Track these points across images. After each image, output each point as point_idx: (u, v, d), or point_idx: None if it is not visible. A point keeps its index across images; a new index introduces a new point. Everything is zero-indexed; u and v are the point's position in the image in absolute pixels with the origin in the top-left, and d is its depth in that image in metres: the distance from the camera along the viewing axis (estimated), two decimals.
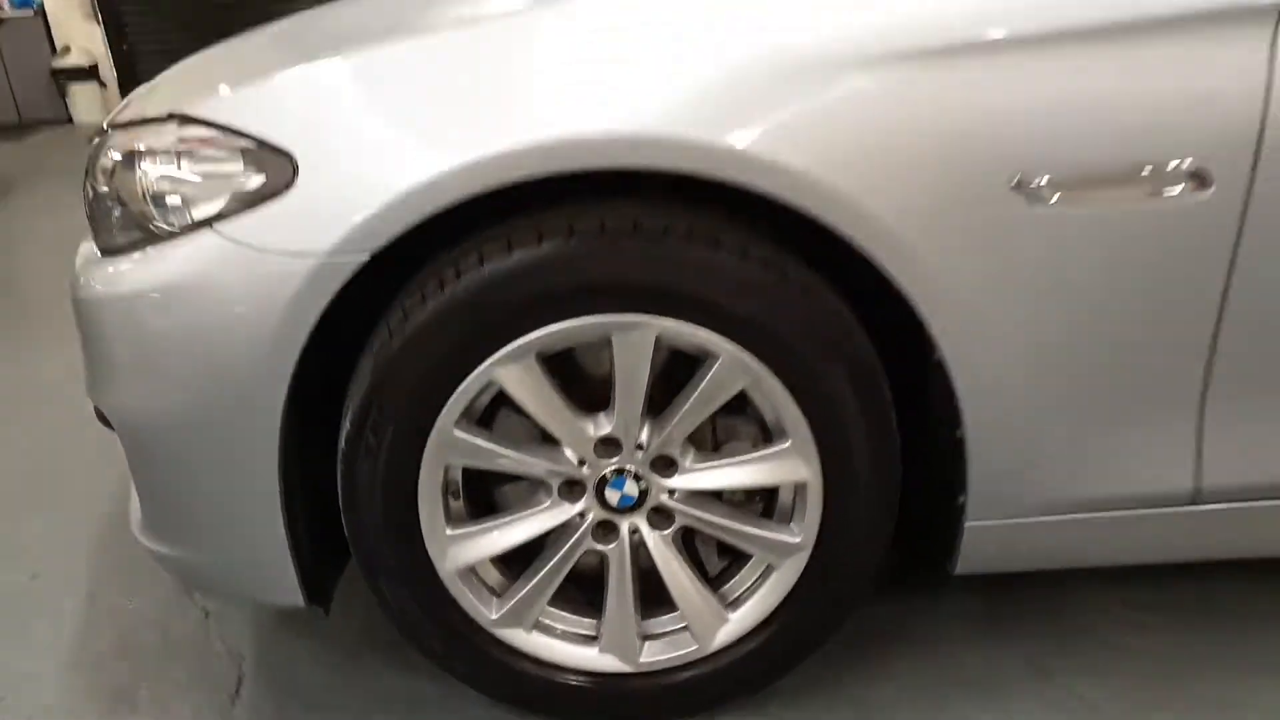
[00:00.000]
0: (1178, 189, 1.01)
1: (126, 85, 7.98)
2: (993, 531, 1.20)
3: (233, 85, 1.14)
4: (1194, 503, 1.18)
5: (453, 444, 1.12)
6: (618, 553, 1.20)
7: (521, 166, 1.01)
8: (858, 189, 1.01)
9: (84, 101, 7.69)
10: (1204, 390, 1.11)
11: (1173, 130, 0.99)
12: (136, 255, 1.12)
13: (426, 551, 1.16)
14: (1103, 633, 1.42)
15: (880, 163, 1.01)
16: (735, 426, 1.21)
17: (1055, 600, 1.49)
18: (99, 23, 7.64)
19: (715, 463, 1.17)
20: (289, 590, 1.21)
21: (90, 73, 7.68)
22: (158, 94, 1.28)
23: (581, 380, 1.18)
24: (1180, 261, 1.05)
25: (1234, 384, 1.11)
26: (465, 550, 1.18)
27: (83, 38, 7.67)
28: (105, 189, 1.16)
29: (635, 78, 1.02)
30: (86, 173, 1.20)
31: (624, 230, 1.05)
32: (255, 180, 1.07)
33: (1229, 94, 0.99)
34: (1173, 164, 1.00)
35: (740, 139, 0.99)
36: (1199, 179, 1.01)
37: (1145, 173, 1.00)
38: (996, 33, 1.00)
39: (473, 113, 1.04)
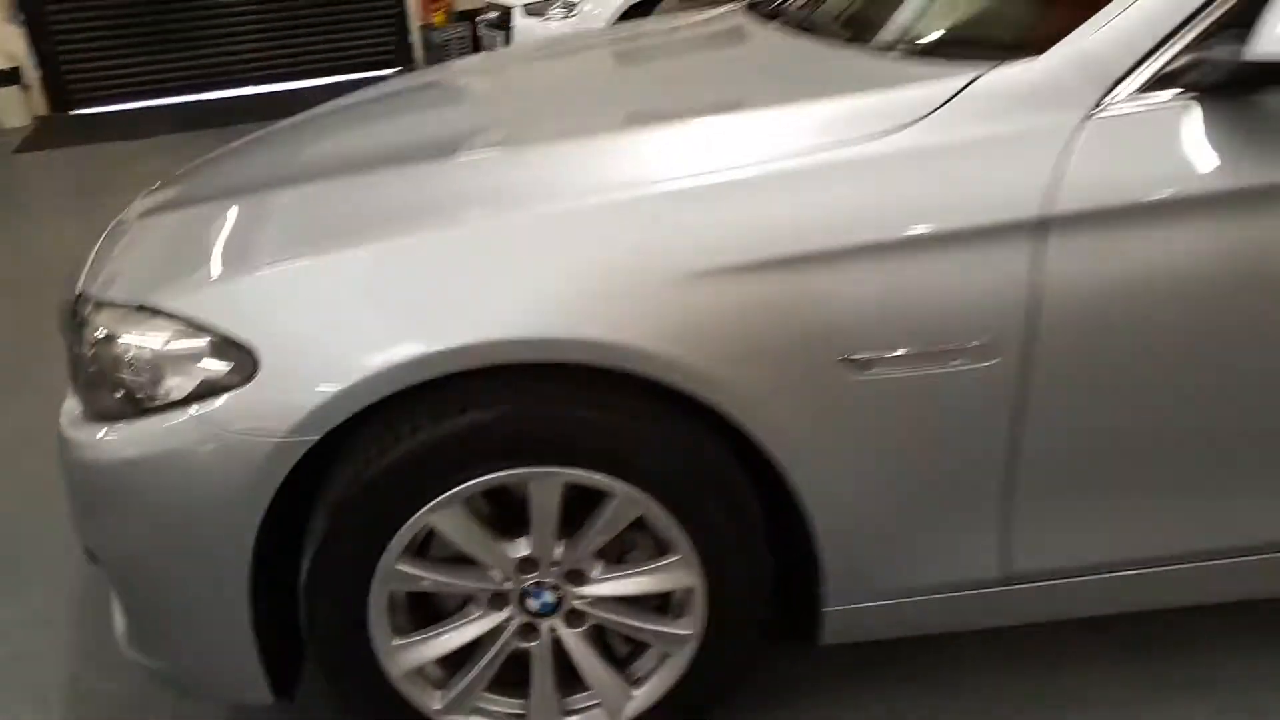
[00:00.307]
0: (972, 361, 1.27)
1: (52, 89, 7.88)
2: (847, 612, 1.47)
3: (204, 275, 1.34)
4: (1005, 584, 1.47)
5: (396, 576, 1.35)
6: (540, 649, 1.44)
7: (443, 365, 1.23)
8: (721, 368, 1.25)
9: (5, 106, 7.56)
10: (1003, 502, 1.39)
11: (963, 317, 1.25)
12: (121, 425, 1.31)
13: (378, 661, 1.39)
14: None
15: (738, 346, 1.25)
16: (636, 539, 1.46)
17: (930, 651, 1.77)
18: (20, 24, 7.51)
19: (618, 573, 1.42)
20: (258, 692, 1.43)
21: (10, 76, 7.56)
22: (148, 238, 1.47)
23: (506, 496, 1.41)
24: (976, 410, 1.31)
25: (1029, 497, 1.38)
26: (410, 656, 1.41)
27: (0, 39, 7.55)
28: (90, 358, 1.35)
29: (539, 283, 1.25)
30: (71, 333, 1.38)
31: (535, 400, 1.28)
32: (221, 369, 1.27)
33: (1005, 287, 1.25)
34: (969, 343, 1.26)
35: (624, 335, 1.23)
36: (986, 352, 1.27)
37: (943, 349, 1.26)
38: (827, 244, 1.24)
39: (407, 317, 1.25)
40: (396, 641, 1.40)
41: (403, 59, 9.29)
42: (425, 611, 1.46)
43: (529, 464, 1.29)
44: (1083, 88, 1.26)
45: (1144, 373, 1.31)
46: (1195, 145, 1.25)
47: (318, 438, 1.25)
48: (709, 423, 1.32)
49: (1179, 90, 1.25)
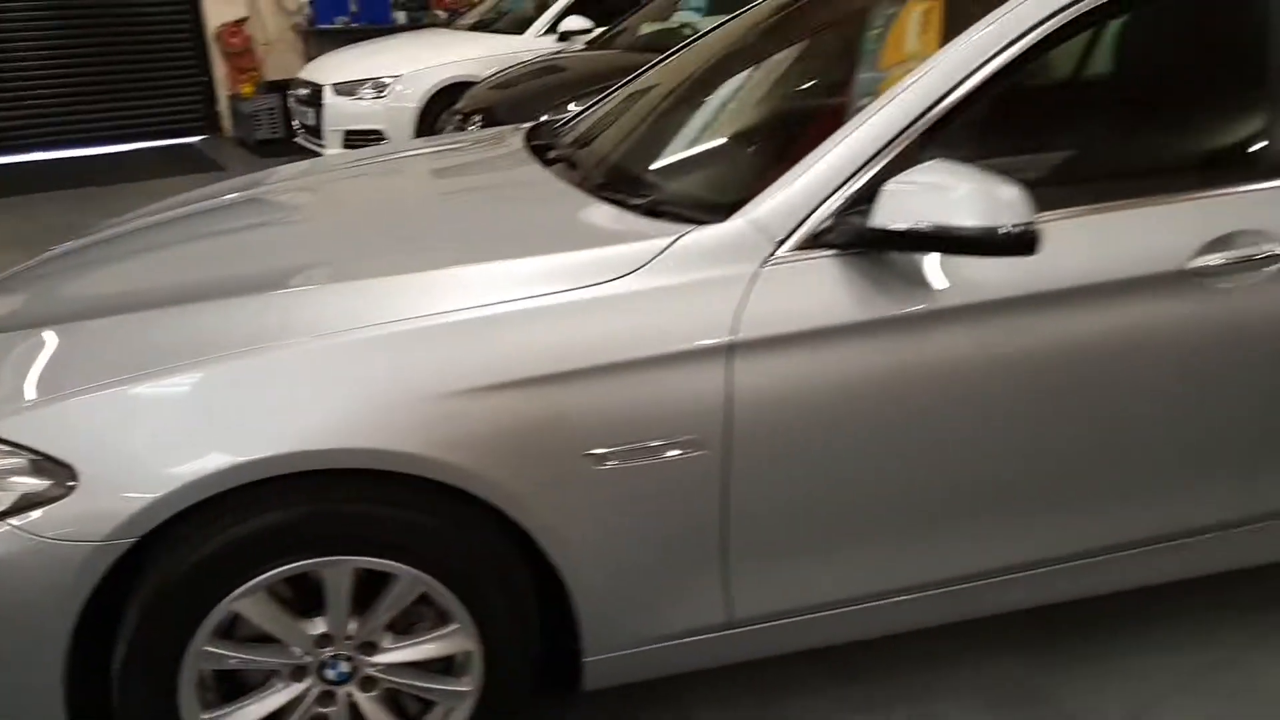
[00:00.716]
0: (686, 452, 1.62)
1: None
2: (603, 661, 1.77)
3: (22, 399, 1.51)
4: (732, 628, 1.81)
5: (205, 656, 1.54)
6: (337, 714, 1.66)
7: (247, 474, 1.46)
8: (485, 467, 1.54)
9: None
10: (722, 561, 1.73)
11: (676, 419, 1.60)
12: None
13: None
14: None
15: (499, 449, 1.54)
16: (423, 612, 1.70)
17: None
18: None
19: (406, 642, 1.67)
20: None
21: None
22: None
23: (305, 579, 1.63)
24: (694, 490, 1.65)
25: (740, 557, 1.74)
26: None
27: None
28: None
29: (329, 402, 1.50)
30: None
31: (327, 500, 1.52)
32: (41, 485, 1.44)
33: (707, 396, 1.60)
34: (682, 439, 1.61)
35: (401, 444, 1.50)
36: (696, 445, 1.62)
37: (662, 444, 1.61)
38: (569, 365, 1.56)
39: (216, 433, 1.47)
40: (205, 716, 1.59)
41: (211, 127, 9.21)
42: (232, 685, 1.65)
43: (322, 555, 1.53)
44: (758, 245, 1.65)
45: (821, 455, 1.70)
46: (839, 287, 1.66)
47: (133, 541, 1.44)
48: (482, 511, 1.60)
49: (828, 247, 1.67)
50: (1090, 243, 1.76)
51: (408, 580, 1.59)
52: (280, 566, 1.52)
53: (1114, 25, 1.90)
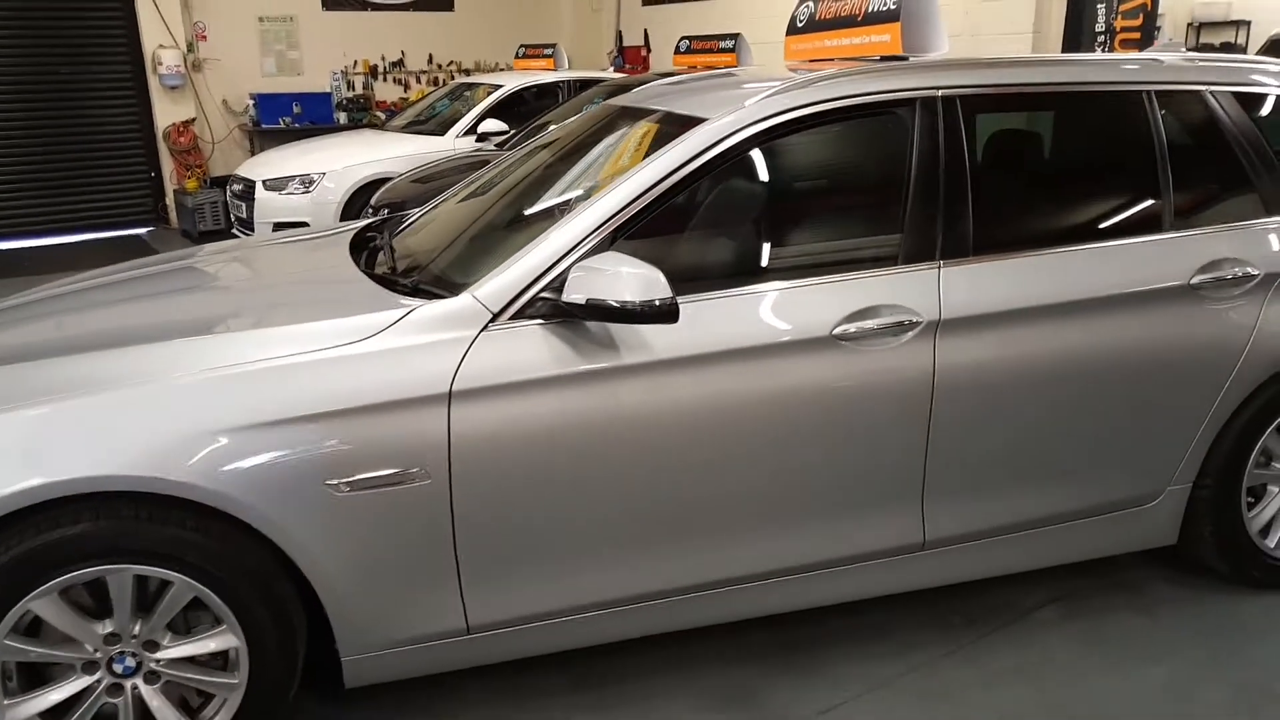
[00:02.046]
0: (415, 481, 2.02)
1: None
2: (358, 661, 2.13)
3: None
4: (473, 633, 2.18)
5: (6, 649, 1.89)
6: (124, 703, 2.00)
7: (42, 494, 1.84)
8: (246, 493, 1.92)
9: None
10: (453, 572, 2.11)
11: (405, 453, 2.00)
12: None
13: None
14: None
15: (259, 478, 1.93)
16: (200, 614, 2.06)
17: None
18: None
19: (184, 640, 2.02)
20: None
21: None
22: None
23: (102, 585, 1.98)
24: (424, 513, 2.04)
25: (468, 569, 2.12)
26: (20, 713, 1.94)
27: None
28: None
29: (114, 438, 1.89)
30: None
31: (113, 517, 1.90)
32: None
33: (431, 432, 2.01)
34: (411, 470, 2.01)
35: (170, 472, 1.88)
36: (422, 475, 2.02)
37: (394, 473, 2.00)
38: (315, 409, 1.96)
39: (21, 461, 1.85)
40: (8, 702, 1.93)
41: (159, 219, 9.68)
42: (34, 675, 1.99)
43: (104, 563, 1.90)
44: (478, 315, 2.09)
45: (532, 483, 2.10)
46: (543, 348, 2.09)
47: None
48: (246, 529, 1.98)
49: (535, 318, 2.11)
50: (752, 312, 2.22)
51: (181, 586, 1.96)
52: (71, 573, 1.89)
53: (774, 153, 2.39)
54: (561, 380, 2.09)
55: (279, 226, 7.27)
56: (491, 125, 7.48)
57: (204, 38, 9.63)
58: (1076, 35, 6.95)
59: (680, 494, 2.21)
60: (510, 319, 2.11)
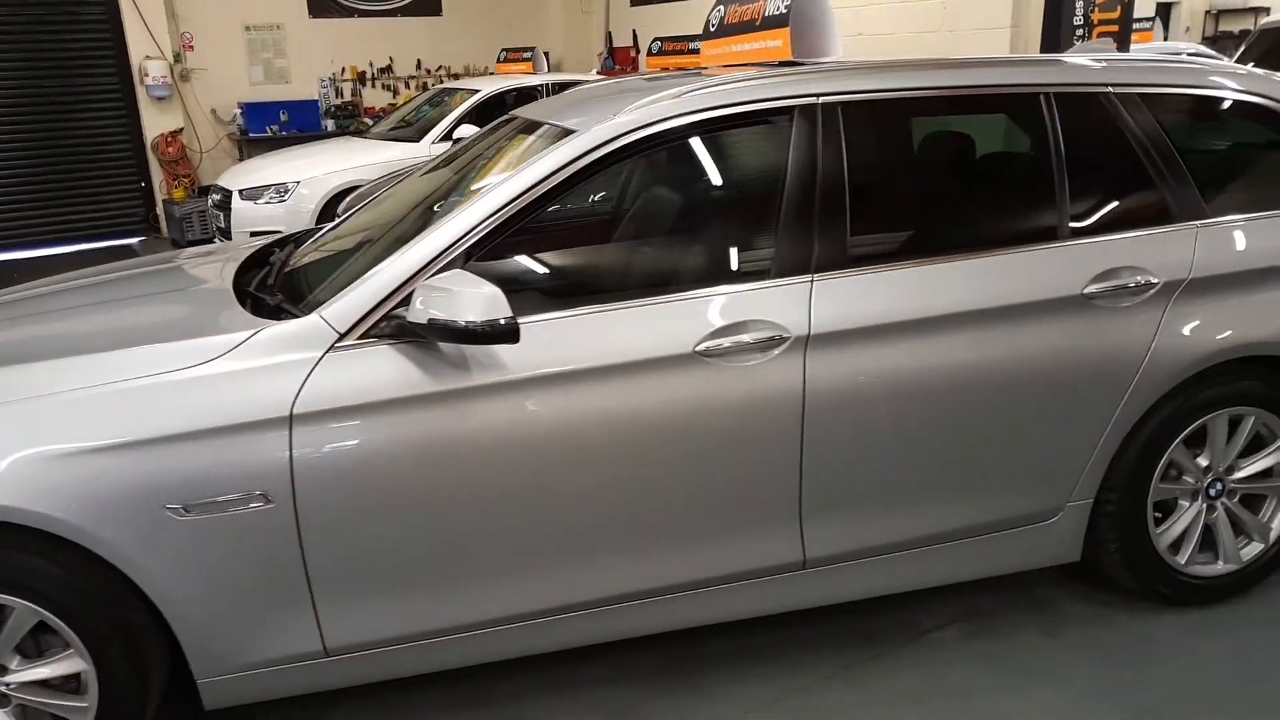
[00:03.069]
0: (259, 505, 1.99)
1: None
2: (214, 683, 2.11)
3: None
4: (330, 656, 2.15)
5: None
6: None
7: None
8: (84, 519, 1.91)
9: None
10: (306, 596, 2.09)
11: (249, 477, 1.98)
12: None
13: None
14: None
15: (97, 503, 1.91)
16: (51, 639, 2.05)
17: None
18: None
19: (33, 664, 2.01)
20: None
21: None
22: None
23: None
24: (270, 537, 2.02)
25: (323, 593, 2.09)
26: None
27: None
28: None
29: None
30: None
31: None
32: None
33: (274, 457, 1.98)
34: (255, 493, 1.99)
35: (11, 499, 1.87)
36: (267, 499, 2.00)
37: (239, 497, 1.98)
38: (158, 431, 1.94)
39: None
40: None
41: (150, 229, 9.77)
42: None
43: None
44: (325, 335, 2.06)
45: (383, 506, 2.07)
46: (391, 369, 2.06)
47: None
48: (92, 555, 1.96)
49: (383, 337, 2.07)
50: (613, 329, 2.17)
51: (23, 612, 1.95)
52: None
53: (641, 166, 2.35)
54: (411, 401, 2.06)
55: (255, 235, 7.31)
56: (467, 130, 7.46)
57: (191, 48, 9.71)
58: (1055, 29, 6.82)
59: (540, 516, 2.17)
60: (359, 339, 2.08)
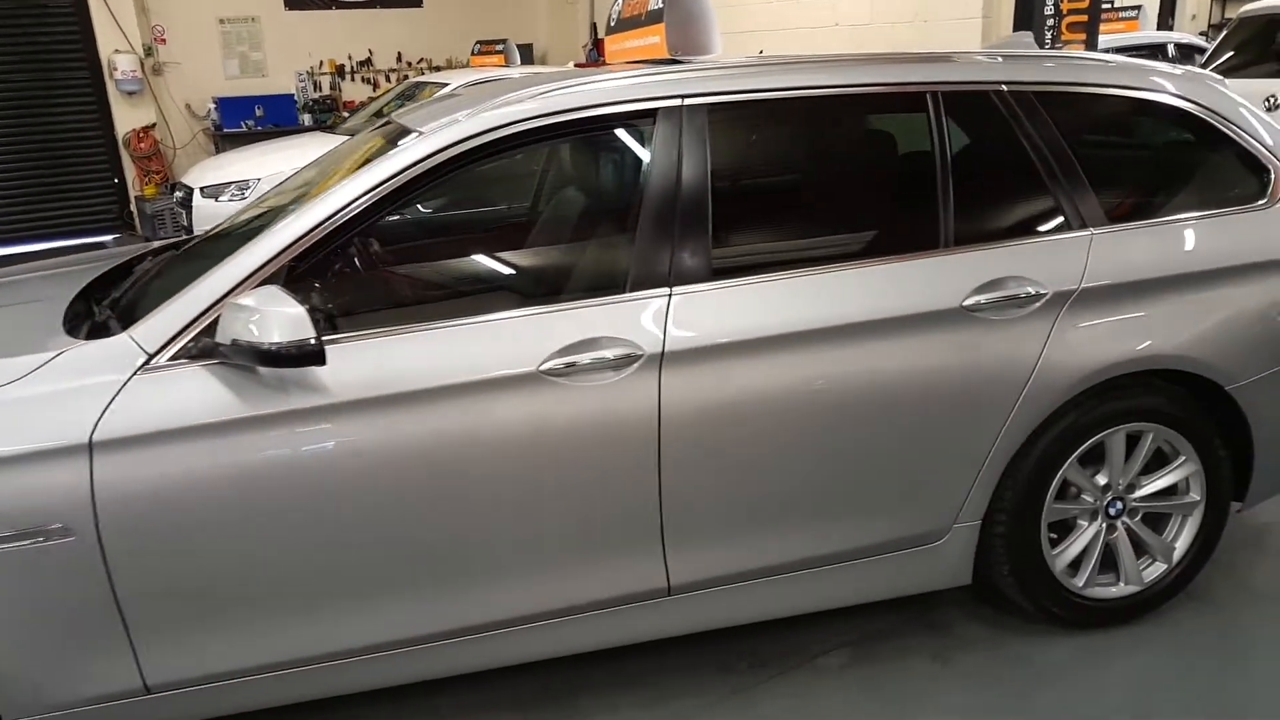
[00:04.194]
0: (57, 539, 1.89)
1: None
2: None
3: None
4: (148, 694, 2.05)
5: None
6: None
7: None
8: None
9: None
10: (125, 635, 1.99)
11: (45, 511, 1.87)
12: None
13: None
14: None
15: None
16: None
17: None
18: None
19: None
20: None
21: None
22: None
23: None
24: (72, 569, 1.92)
25: (142, 631, 1.99)
26: None
27: None
28: None
29: None
30: None
31: None
32: None
33: (71, 488, 1.88)
34: (51, 527, 1.88)
35: None
36: (66, 533, 1.89)
37: (36, 531, 1.88)
38: None
39: None
40: None
41: (125, 226, 9.72)
42: None
43: None
44: (132, 356, 1.95)
45: (198, 536, 1.96)
46: (202, 392, 1.94)
47: None
48: None
49: (201, 358, 1.96)
50: (449, 348, 2.05)
51: None
52: None
53: (487, 173, 2.22)
54: (224, 426, 1.95)
55: None
56: None
57: (163, 41, 9.63)
58: (1026, 19, 6.63)
59: (373, 545, 2.06)
60: (170, 360, 1.97)
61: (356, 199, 2.06)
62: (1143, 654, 2.52)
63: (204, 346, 1.96)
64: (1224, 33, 6.80)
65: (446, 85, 7.97)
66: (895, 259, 2.31)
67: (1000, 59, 2.55)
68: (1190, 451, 2.53)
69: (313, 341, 1.85)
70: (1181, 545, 2.61)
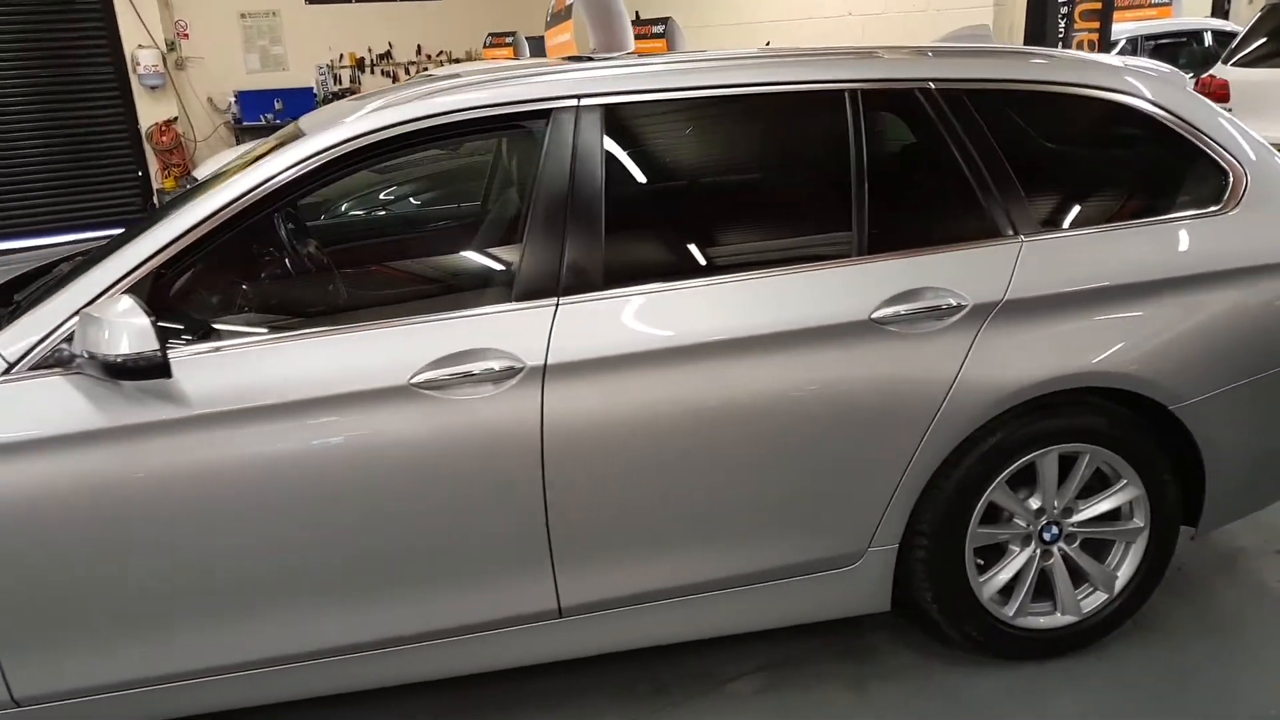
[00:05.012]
0: None
1: None
2: None
3: None
4: (15, 706, 2.01)
5: None
6: None
7: None
8: None
9: None
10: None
11: None
12: None
13: None
14: None
15: None
16: None
17: None
18: None
19: None
20: None
21: None
22: None
23: None
24: None
25: (6, 646, 1.96)
26: None
27: None
28: None
29: None
30: None
31: None
32: None
33: None
34: None
35: None
36: None
37: None
38: None
39: None
40: None
41: None
42: None
43: None
44: None
45: (56, 550, 1.91)
46: (66, 403, 1.89)
47: None
48: None
49: (59, 366, 1.91)
50: (316, 359, 1.98)
51: None
52: None
53: (365, 178, 2.14)
54: (83, 438, 1.90)
55: None
56: None
57: (186, 36, 9.74)
58: (1040, 7, 6.39)
59: (237, 564, 2.00)
60: (30, 369, 1.92)
61: (230, 203, 2.00)
62: (1077, 689, 2.37)
63: (64, 356, 1.92)
64: (1254, 20, 6.47)
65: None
66: (804, 268, 2.19)
67: (931, 54, 2.41)
68: (1132, 475, 2.36)
69: (157, 354, 1.79)
70: (1124, 574, 2.44)
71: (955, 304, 2.19)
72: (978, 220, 2.27)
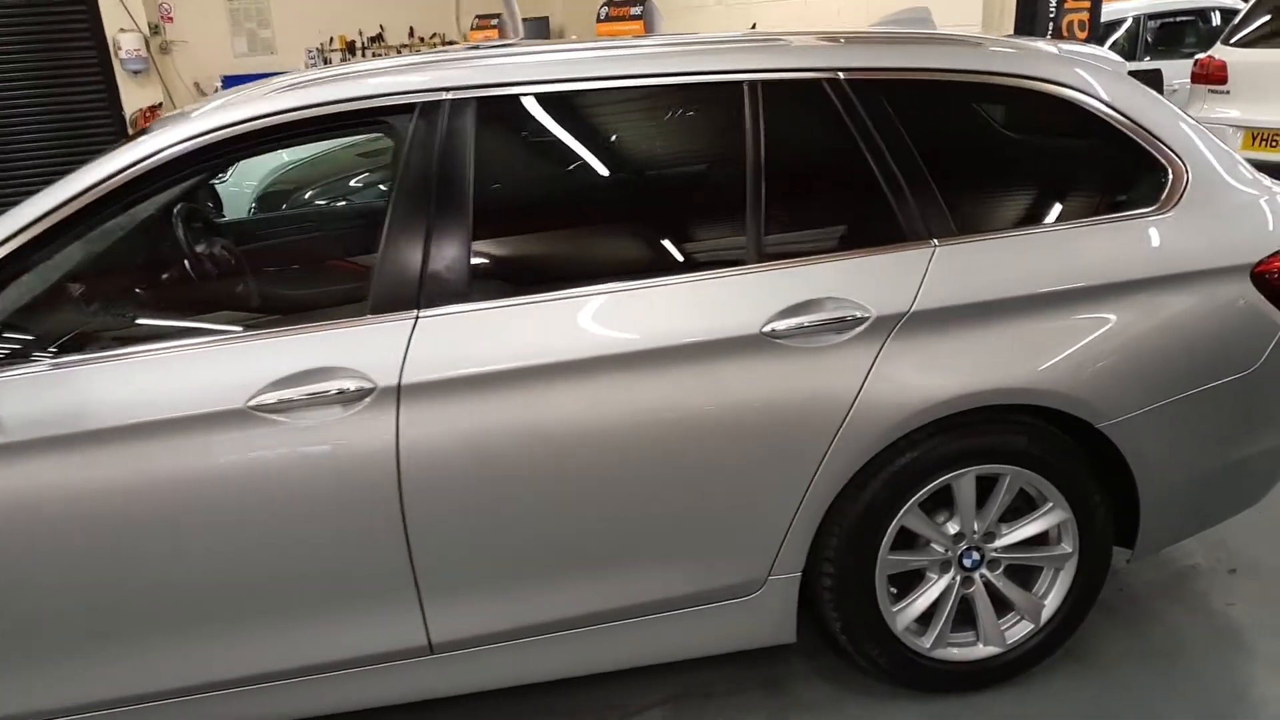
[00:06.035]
0: None
1: None
2: None
3: None
4: None
5: None
6: None
7: None
8: None
9: None
10: None
11: None
12: None
13: None
14: None
15: None
16: None
17: None
18: None
19: None
20: None
21: None
22: None
23: None
24: None
25: None
26: None
27: None
28: None
29: None
30: None
31: None
32: None
33: None
34: None
35: None
36: None
37: None
38: None
39: None
40: None
41: None
42: None
43: None
44: None
45: None
46: None
47: None
48: None
49: None
50: (144, 381, 1.84)
51: None
52: None
53: (202, 183, 1.99)
54: None
55: None
56: None
57: (170, 19, 9.60)
58: None
59: (66, 601, 1.86)
60: None
61: (59, 207, 1.86)
62: None
63: None
64: (1244, 9, 6.17)
65: None
66: (694, 276, 2.02)
67: (843, 41, 2.21)
68: (1058, 497, 2.18)
69: None
70: (1053, 602, 2.27)
71: (857, 315, 2.01)
72: (888, 224, 2.09)
